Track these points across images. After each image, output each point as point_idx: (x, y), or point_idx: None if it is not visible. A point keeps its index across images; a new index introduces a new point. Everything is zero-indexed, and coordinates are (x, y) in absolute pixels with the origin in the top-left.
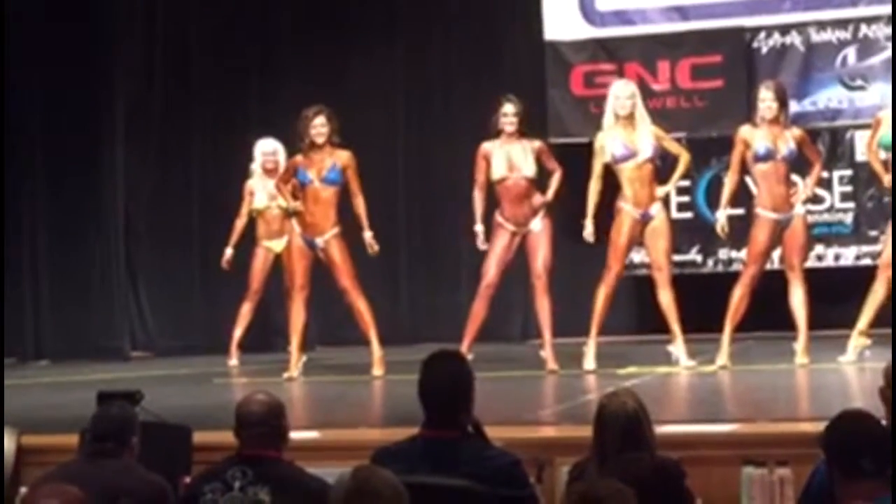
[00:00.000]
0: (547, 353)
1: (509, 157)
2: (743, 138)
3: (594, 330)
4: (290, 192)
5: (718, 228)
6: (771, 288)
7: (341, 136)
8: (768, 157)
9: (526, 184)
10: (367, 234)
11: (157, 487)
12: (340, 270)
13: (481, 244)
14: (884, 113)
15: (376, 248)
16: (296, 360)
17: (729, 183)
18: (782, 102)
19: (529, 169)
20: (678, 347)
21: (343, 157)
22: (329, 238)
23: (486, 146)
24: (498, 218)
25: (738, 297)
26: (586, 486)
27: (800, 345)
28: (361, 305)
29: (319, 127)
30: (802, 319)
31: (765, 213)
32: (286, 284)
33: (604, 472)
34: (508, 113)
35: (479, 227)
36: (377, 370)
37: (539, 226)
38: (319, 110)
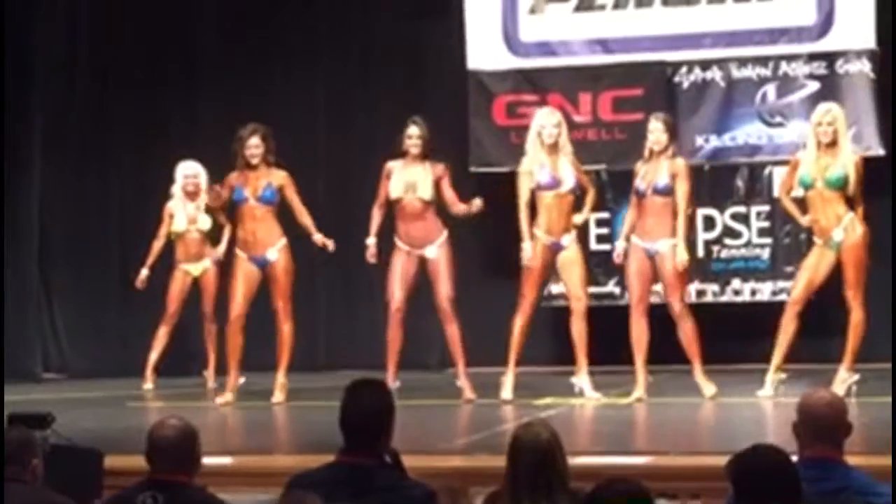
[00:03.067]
0: (462, 382)
1: (409, 177)
2: (637, 172)
3: (512, 360)
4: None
5: (615, 257)
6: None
7: (277, 155)
8: (643, 192)
9: (421, 205)
10: (318, 237)
11: None
12: (279, 288)
13: (370, 256)
14: (802, 154)
15: (331, 245)
16: (233, 385)
17: (629, 216)
18: (671, 135)
19: (426, 191)
20: (582, 378)
21: (280, 177)
22: (280, 248)
23: (390, 165)
24: (395, 239)
25: (639, 330)
26: None
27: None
28: (286, 329)
29: (253, 148)
30: (693, 352)
31: (636, 241)
32: (202, 309)
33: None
34: (413, 135)
35: (370, 241)
36: (278, 396)
37: (435, 253)
38: (255, 130)
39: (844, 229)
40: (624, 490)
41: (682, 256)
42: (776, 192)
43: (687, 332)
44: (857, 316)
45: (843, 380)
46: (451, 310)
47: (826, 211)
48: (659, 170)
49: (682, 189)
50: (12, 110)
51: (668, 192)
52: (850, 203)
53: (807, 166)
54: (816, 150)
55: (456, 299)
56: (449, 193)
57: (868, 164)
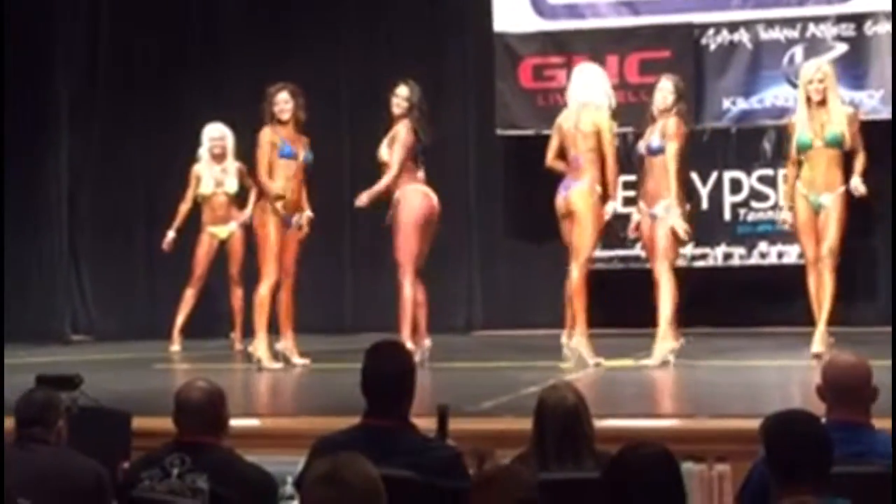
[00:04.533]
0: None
1: (386, 138)
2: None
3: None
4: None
5: (630, 230)
6: (712, 285)
7: (307, 113)
8: (642, 154)
9: (383, 167)
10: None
11: (91, 472)
12: (292, 254)
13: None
14: (796, 117)
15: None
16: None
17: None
18: (678, 97)
19: (384, 152)
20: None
21: (307, 144)
22: (305, 217)
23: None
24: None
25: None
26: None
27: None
28: (287, 296)
29: (283, 103)
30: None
31: (642, 206)
32: (228, 272)
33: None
34: (399, 94)
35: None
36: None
37: (396, 215)
38: (283, 86)
39: (836, 198)
40: (648, 453)
41: (675, 222)
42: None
43: (665, 294)
44: (833, 281)
45: (829, 342)
46: (403, 270)
47: (827, 170)
48: (654, 130)
49: (672, 148)
50: (39, 78)
51: (661, 152)
52: (848, 160)
53: (802, 127)
54: (808, 109)
55: (403, 262)
56: (394, 156)
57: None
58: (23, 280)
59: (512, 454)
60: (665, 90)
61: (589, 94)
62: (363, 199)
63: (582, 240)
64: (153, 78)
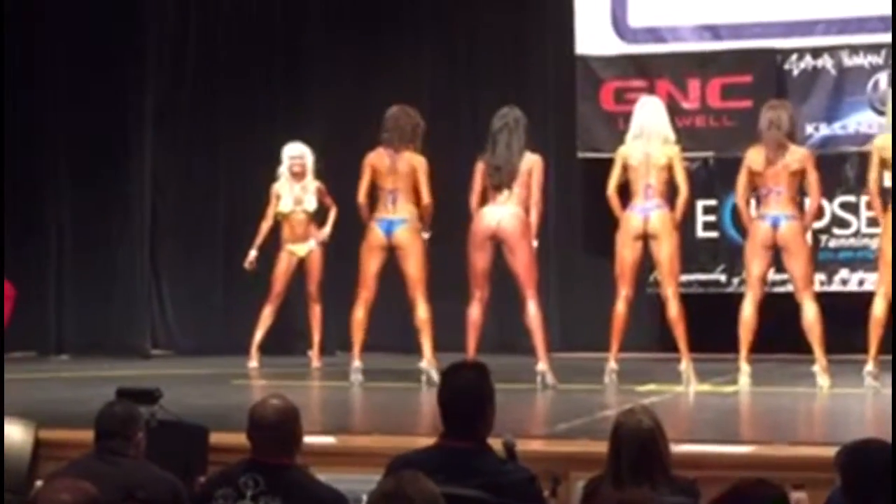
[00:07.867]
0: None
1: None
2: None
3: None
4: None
5: None
6: (792, 311)
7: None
8: None
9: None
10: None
11: (169, 485)
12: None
13: None
14: (880, 140)
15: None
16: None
17: None
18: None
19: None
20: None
21: None
22: None
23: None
24: None
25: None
26: (622, 494)
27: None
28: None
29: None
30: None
31: None
32: (307, 289)
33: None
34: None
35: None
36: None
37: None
38: None
39: None
40: (768, 494)
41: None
42: (886, 181)
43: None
44: None
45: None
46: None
47: None
48: None
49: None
50: (124, 92)
51: None
52: None
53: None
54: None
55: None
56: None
57: None
58: (106, 294)
59: (586, 477)
60: None
61: (659, 127)
62: None
63: (674, 264)
64: (236, 97)
